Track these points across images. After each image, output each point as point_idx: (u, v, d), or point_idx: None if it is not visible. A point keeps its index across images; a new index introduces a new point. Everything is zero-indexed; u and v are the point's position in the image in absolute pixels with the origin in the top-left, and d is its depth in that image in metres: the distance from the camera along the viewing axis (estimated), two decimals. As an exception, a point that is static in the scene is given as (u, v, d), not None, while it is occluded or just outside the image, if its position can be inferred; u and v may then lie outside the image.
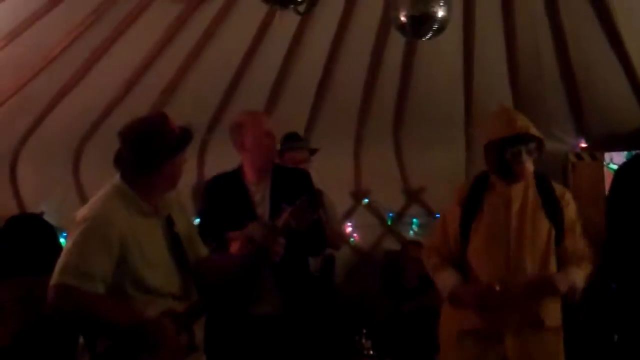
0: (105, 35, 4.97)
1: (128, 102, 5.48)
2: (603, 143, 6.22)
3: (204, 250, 3.16)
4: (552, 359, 3.55)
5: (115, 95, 5.47)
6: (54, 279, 2.63)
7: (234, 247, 3.49)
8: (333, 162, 6.49)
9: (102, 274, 2.66)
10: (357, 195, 6.68)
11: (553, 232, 3.52)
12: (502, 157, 3.48)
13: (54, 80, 5.13)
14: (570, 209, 3.61)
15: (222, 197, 3.89)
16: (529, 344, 3.46)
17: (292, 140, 4.65)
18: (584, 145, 6.29)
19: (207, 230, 3.69)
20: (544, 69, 5.71)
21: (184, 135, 2.88)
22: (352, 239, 6.69)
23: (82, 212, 2.79)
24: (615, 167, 6.08)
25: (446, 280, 3.61)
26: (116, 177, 2.89)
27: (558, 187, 3.67)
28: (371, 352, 4.99)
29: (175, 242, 2.93)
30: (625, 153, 6.13)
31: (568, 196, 3.64)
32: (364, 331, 5.06)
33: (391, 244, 6.58)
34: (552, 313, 3.54)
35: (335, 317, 5.49)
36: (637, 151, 4.67)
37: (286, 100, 6.02)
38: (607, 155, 6.25)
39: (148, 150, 2.79)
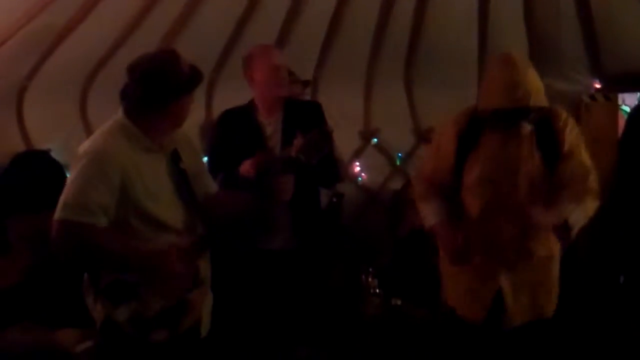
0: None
1: (135, 38, 5.37)
2: (617, 84, 6.09)
3: (213, 187, 3.15)
4: (545, 286, 3.53)
5: (122, 32, 5.37)
6: (56, 214, 2.64)
7: (244, 170, 3.46)
8: (342, 101, 6.43)
9: (103, 207, 2.66)
10: (366, 135, 6.63)
11: (544, 164, 3.37)
12: (499, 122, 3.35)
13: (60, 16, 5.02)
14: (571, 134, 3.40)
15: (234, 130, 3.87)
16: (521, 274, 3.44)
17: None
18: (598, 86, 6.17)
19: (218, 163, 3.67)
20: (561, 6, 5.56)
21: (194, 75, 2.83)
22: (359, 178, 6.68)
23: (84, 146, 2.78)
24: (627, 109, 6.00)
25: (430, 213, 3.54)
26: (119, 112, 2.86)
27: (557, 113, 3.43)
28: (377, 291, 5.02)
29: (181, 178, 2.91)
30: (638, 94, 6.04)
31: (568, 121, 3.42)
32: (371, 270, 5.08)
33: (399, 184, 6.55)
34: (543, 243, 3.49)
35: (341, 256, 5.51)
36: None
37: (296, 38, 5.90)
38: (620, 97, 6.13)
39: (157, 88, 2.76)
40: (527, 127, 3.35)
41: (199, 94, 5.05)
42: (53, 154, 5.44)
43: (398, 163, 6.67)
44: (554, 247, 3.52)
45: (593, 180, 3.39)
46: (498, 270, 3.46)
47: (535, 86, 3.23)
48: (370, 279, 5.09)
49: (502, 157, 3.41)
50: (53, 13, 4.92)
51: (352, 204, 6.49)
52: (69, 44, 5.24)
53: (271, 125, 3.85)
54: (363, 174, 6.71)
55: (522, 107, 3.20)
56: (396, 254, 5.63)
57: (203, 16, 5.47)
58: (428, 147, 3.84)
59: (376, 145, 6.67)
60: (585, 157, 3.41)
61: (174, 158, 2.93)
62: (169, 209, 2.84)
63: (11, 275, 4.44)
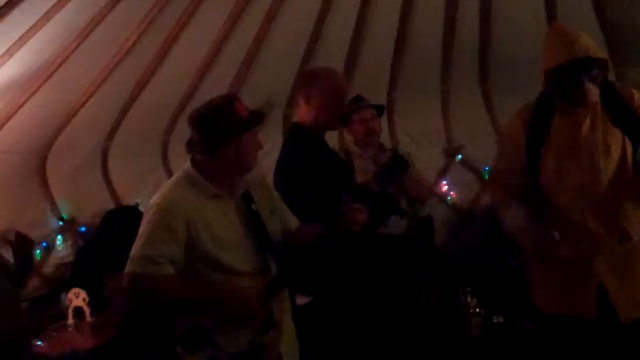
0: (175, 20, 4.97)
1: (206, 85, 5.48)
2: None
3: (294, 222, 3.11)
4: None
5: (192, 81, 5.49)
6: (126, 267, 2.66)
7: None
8: (421, 121, 6.35)
9: (168, 257, 2.68)
10: (450, 152, 6.52)
11: (628, 144, 3.15)
12: (562, 85, 3.19)
13: (131, 74, 5.18)
14: None
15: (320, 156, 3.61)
16: (619, 261, 3.20)
17: (358, 101, 4.63)
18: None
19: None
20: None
21: (250, 119, 2.82)
22: (449, 197, 6.54)
23: (153, 199, 2.81)
24: None
25: (512, 219, 3.35)
26: (187, 162, 2.89)
27: (627, 91, 3.22)
28: (477, 310, 4.86)
29: (253, 220, 2.89)
30: None
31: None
32: (468, 289, 4.93)
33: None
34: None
35: (438, 278, 5.37)
36: None
37: (364, 62, 5.89)
38: None
39: (210, 130, 2.78)
40: (593, 92, 3.15)
41: (275, 132, 5.10)
42: (141, 208, 5.55)
43: (486, 177, 6.49)
44: None
45: None
46: (595, 264, 3.22)
47: (592, 42, 3.11)
48: (469, 298, 4.94)
49: (575, 142, 3.22)
50: (123, 73, 5.07)
51: (444, 223, 6.36)
52: (143, 99, 5.39)
53: None
54: (452, 192, 6.57)
55: (583, 59, 3.04)
56: (498, 271, 5.45)
57: (269, 54, 5.53)
58: (499, 146, 3.68)
59: (462, 162, 6.53)
60: None
61: (246, 200, 2.92)
62: (238, 253, 2.82)
63: (111, 329, 4.56)
